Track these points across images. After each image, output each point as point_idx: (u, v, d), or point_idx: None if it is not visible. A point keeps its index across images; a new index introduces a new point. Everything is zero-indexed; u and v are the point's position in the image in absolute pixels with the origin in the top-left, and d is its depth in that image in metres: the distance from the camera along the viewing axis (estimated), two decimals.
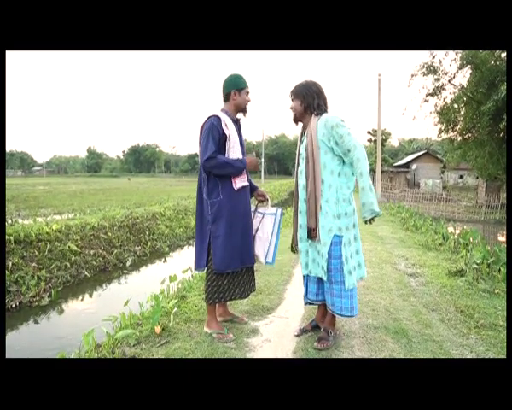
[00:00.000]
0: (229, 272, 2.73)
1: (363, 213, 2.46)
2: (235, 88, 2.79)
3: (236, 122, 2.85)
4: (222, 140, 2.69)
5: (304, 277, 2.80)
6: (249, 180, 2.96)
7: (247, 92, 2.83)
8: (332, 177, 2.51)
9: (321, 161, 2.51)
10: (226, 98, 2.84)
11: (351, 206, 2.54)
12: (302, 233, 2.68)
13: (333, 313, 2.60)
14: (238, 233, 2.75)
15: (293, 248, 2.86)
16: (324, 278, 2.54)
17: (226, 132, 2.69)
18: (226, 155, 2.71)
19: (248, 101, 2.85)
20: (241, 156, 2.77)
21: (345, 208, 2.51)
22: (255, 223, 2.98)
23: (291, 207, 2.90)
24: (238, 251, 2.75)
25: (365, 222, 2.52)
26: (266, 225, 2.95)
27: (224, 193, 2.70)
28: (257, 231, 2.97)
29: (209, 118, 2.72)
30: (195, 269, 2.90)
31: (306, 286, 2.79)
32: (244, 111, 2.87)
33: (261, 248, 2.93)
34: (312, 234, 2.54)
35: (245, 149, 2.94)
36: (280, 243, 3.02)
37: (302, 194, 2.65)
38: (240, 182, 2.76)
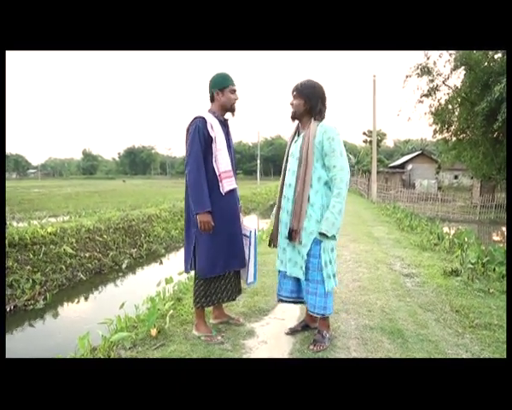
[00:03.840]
0: (215, 276, 2.71)
1: (323, 225, 2.44)
2: (217, 88, 2.71)
3: (224, 123, 2.78)
4: (208, 142, 2.62)
5: (278, 272, 2.82)
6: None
7: (233, 90, 2.73)
8: (319, 184, 2.54)
9: (315, 170, 2.53)
10: (211, 99, 2.77)
11: None
12: (282, 229, 2.69)
13: (308, 311, 2.64)
14: (223, 238, 2.70)
15: (272, 243, 2.85)
16: (302, 278, 2.57)
17: (212, 135, 2.62)
18: (214, 158, 2.63)
19: (235, 99, 2.75)
20: (228, 160, 2.70)
21: None
22: None
23: None
24: (223, 256, 2.70)
25: (319, 234, 2.48)
26: None
27: (211, 197, 2.62)
28: None
29: (194, 119, 2.65)
30: (185, 271, 2.88)
31: (280, 282, 2.79)
32: (231, 110, 2.78)
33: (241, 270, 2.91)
34: (293, 235, 2.54)
35: (233, 152, 2.86)
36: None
37: (287, 192, 2.65)
38: (228, 185, 2.69)
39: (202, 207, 2.56)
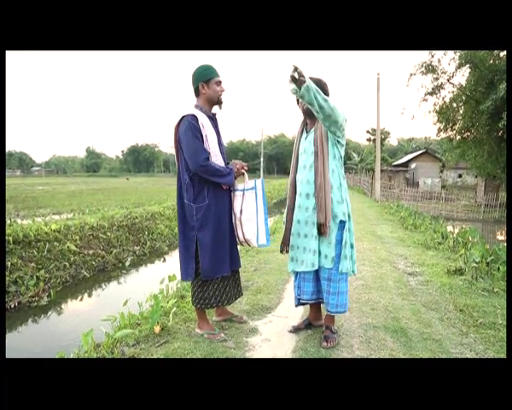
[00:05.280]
0: (218, 277, 2.66)
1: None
2: (202, 80, 2.60)
3: (212, 118, 2.69)
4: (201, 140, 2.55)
5: (295, 276, 2.78)
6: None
7: (218, 82, 2.63)
8: (334, 161, 2.57)
9: (329, 152, 2.56)
10: (196, 93, 2.67)
11: (347, 193, 2.64)
12: (300, 228, 2.65)
13: (327, 311, 2.63)
14: (226, 236, 2.66)
15: (283, 248, 2.79)
16: (330, 266, 2.51)
17: (203, 133, 2.54)
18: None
19: (221, 91, 2.65)
20: (220, 157, 2.64)
21: (345, 195, 2.60)
22: (237, 204, 2.72)
23: None
24: (227, 255, 2.67)
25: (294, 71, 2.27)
26: (250, 204, 2.69)
27: (210, 197, 2.59)
28: (241, 212, 2.69)
29: (184, 117, 2.55)
30: (183, 279, 2.74)
31: (299, 286, 2.74)
32: (218, 103, 2.68)
33: (251, 230, 2.68)
34: (323, 230, 2.50)
35: (224, 148, 2.79)
36: (277, 240, 2.95)
37: (306, 189, 2.61)
38: None
39: (229, 173, 2.62)
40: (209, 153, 2.56)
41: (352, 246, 2.63)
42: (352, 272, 2.65)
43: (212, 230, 2.60)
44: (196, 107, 2.65)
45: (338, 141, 2.57)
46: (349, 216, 2.59)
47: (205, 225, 2.59)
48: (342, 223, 2.54)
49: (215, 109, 2.74)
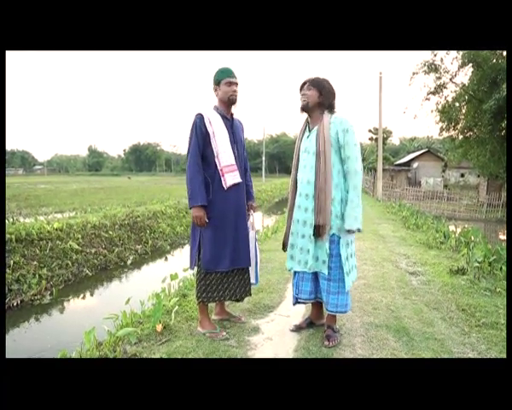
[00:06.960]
0: (218, 271, 2.70)
1: (346, 222, 2.47)
2: (214, 84, 2.74)
3: (228, 118, 2.77)
4: (206, 138, 2.64)
5: (294, 275, 2.78)
6: (247, 185, 2.92)
7: (229, 83, 2.69)
8: (338, 177, 2.53)
9: (334, 165, 2.52)
10: (216, 95, 2.80)
11: None
12: (299, 228, 2.64)
13: (327, 311, 2.62)
14: (228, 233, 2.70)
15: (285, 246, 2.81)
16: (325, 273, 2.53)
17: (209, 130, 2.64)
18: (215, 153, 2.65)
19: (231, 91, 2.70)
20: (230, 154, 2.69)
21: None
22: None
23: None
24: (228, 251, 2.69)
25: (347, 231, 2.50)
26: None
27: (214, 192, 2.65)
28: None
29: (195, 116, 2.70)
30: (191, 268, 2.87)
31: (297, 285, 2.74)
32: (229, 103, 2.75)
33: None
34: (320, 232, 2.49)
35: (242, 147, 2.85)
36: (280, 238, 2.96)
37: (305, 189, 2.59)
38: (230, 179, 2.68)
39: (194, 201, 2.61)
40: (197, 158, 2.64)
41: (351, 255, 2.63)
42: (352, 281, 2.66)
43: (214, 225, 2.66)
44: (214, 107, 2.77)
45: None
46: (358, 229, 2.54)
47: (207, 220, 2.65)
48: (337, 237, 2.52)
49: (233, 110, 2.83)
